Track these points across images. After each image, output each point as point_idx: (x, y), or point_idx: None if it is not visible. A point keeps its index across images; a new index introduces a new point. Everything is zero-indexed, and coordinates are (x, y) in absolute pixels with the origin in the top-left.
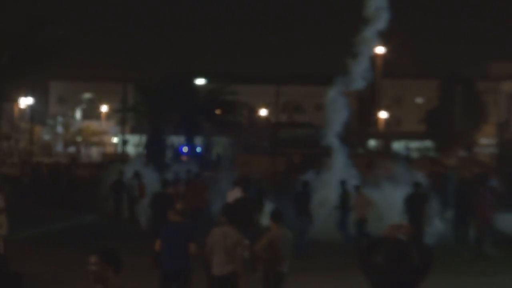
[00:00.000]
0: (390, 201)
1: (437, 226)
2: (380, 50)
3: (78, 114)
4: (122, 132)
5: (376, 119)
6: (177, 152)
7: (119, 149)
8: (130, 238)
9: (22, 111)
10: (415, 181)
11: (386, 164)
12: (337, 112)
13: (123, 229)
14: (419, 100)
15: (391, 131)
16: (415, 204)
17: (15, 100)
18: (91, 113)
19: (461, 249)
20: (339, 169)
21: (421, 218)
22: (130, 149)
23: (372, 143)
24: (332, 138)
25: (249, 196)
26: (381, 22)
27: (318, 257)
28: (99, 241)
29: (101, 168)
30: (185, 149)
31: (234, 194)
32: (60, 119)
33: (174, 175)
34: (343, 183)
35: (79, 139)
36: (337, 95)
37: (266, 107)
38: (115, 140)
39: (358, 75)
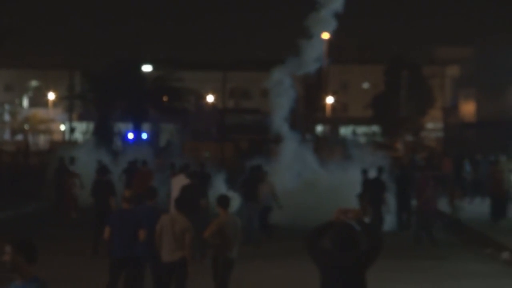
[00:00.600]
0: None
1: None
2: (325, 35)
3: (25, 102)
4: (70, 120)
5: (323, 105)
6: (124, 139)
7: (67, 137)
8: (71, 225)
9: None
10: (378, 166)
11: (337, 149)
12: (282, 95)
13: (65, 216)
14: (365, 85)
15: (338, 116)
16: (376, 189)
17: None
18: (38, 100)
19: (405, 234)
20: (289, 155)
21: (380, 204)
22: (78, 136)
23: (319, 128)
24: (280, 123)
25: (195, 183)
26: (338, 2)
27: (268, 243)
28: (41, 229)
29: (48, 155)
30: (130, 135)
31: (179, 181)
32: (7, 107)
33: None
34: (364, 171)
35: (26, 127)
36: (283, 77)
37: (213, 93)
38: (62, 127)
39: (311, 58)
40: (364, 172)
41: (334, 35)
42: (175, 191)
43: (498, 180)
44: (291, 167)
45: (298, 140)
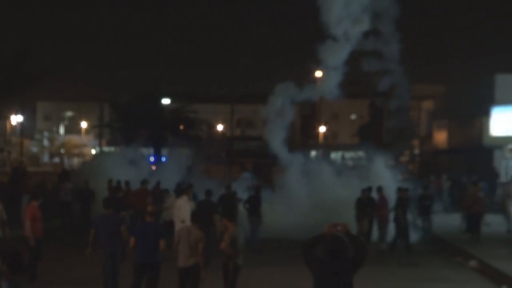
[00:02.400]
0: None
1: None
2: (318, 73)
3: (61, 129)
4: (100, 145)
5: (316, 133)
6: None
7: None
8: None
9: (13, 127)
10: (368, 186)
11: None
12: (280, 122)
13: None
14: (352, 116)
15: (329, 143)
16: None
17: (7, 118)
18: (73, 128)
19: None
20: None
21: (370, 220)
22: None
23: (313, 153)
24: (280, 149)
25: (209, 200)
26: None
27: (269, 252)
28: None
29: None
30: (151, 159)
31: (181, 201)
32: (46, 134)
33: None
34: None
35: (62, 151)
36: (279, 102)
37: (222, 123)
38: (93, 151)
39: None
40: (400, 190)
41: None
42: (175, 209)
43: (478, 199)
44: (298, 186)
45: (301, 162)
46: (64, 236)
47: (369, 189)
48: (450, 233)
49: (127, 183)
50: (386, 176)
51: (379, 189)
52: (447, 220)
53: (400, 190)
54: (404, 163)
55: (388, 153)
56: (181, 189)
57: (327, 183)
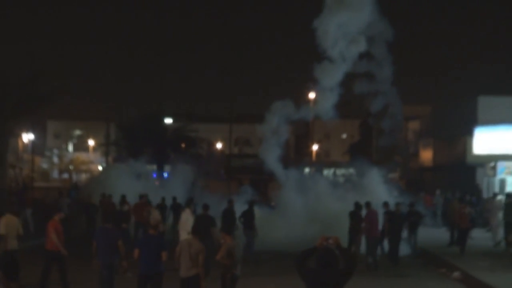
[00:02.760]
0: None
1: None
2: (312, 95)
3: (70, 147)
4: (106, 162)
5: (310, 151)
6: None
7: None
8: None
9: (25, 145)
10: (355, 201)
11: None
12: (275, 141)
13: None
14: (344, 136)
15: (322, 160)
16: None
17: (19, 136)
18: (81, 146)
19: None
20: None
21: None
22: None
23: (306, 170)
24: (276, 165)
25: (207, 214)
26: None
27: (265, 263)
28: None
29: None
30: (154, 175)
31: (186, 214)
32: (55, 151)
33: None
34: (411, 204)
35: (71, 167)
36: (275, 120)
37: (221, 141)
38: (100, 168)
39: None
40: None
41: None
42: (182, 222)
43: (466, 215)
44: (293, 200)
45: (296, 178)
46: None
47: (368, 204)
48: (437, 246)
49: (123, 197)
50: (382, 191)
51: (367, 204)
52: (435, 234)
53: (385, 204)
54: (394, 179)
55: (383, 169)
56: (177, 204)
57: (322, 197)
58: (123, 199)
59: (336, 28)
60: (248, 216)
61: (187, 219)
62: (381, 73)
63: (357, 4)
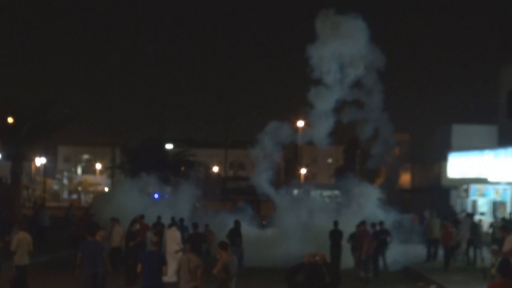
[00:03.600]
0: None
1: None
2: (300, 123)
3: (79, 170)
4: (112, 184)
5: (298, 174)
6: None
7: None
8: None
9: (38, 168)
10: (334, 220)
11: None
12: (266, 164)
13: None
14: (329, 160)
15: (309, 183)
16: (336, 238)
17: (32, 160)
18: (89, 169)
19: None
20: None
21: (339, 249)
22: None
23: (295, 191)
24: (267, 187)
25: (197, 232)
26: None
27: (257, 277)
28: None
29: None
30: (156, 196)
31: (171, 232)
32: (65, 174)
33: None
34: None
35: (79, 189)
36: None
37: (217, 165)
38: (106, 189)
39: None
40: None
41: (308, 124)
42: (168, 240)
43: (451, 233)
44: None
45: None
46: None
47: (363, 223)
48: (417, 262)
49: (113, 219)
50: (378, 211)
51: (362, 223)
52: (419, 250)
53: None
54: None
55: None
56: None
57: (312, 216)
58: (136, 218)
59: (329, 56)
60: (234, 234)
61: (173, 235)
62: (371, 101)
63: (349, 33)
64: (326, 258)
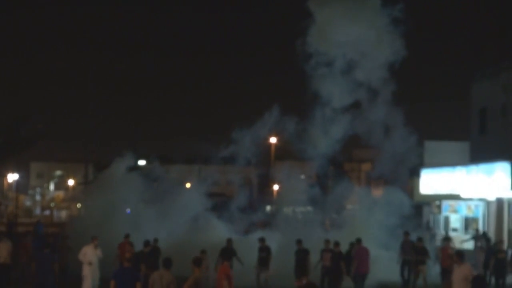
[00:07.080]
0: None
1: None
2: (273, 140)
3: (51, 186)
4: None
5: (271, 191)
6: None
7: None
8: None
9: (10, 184)
10: (297, 239)
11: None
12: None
13: None
14: (302, 176)
15: (282, 199)
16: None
17: (4, 176)
18: (61, 185)
19: None
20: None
21: (305, 267)
22: None
23: (268, 207)
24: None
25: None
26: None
27: None
28: None
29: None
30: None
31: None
32: (38, 190)
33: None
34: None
35: (52, 205)
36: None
37: (190, 182)
38: (79, 205)
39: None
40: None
41: (280, 140)
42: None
43: (450, 254)
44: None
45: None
46: None
47: (358, 241)
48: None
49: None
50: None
51: (358, 241)
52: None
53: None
54: None
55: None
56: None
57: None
58: (148, 241)
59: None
60: (226, 253)
61: (85, 253)
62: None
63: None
64: (311, 282)
